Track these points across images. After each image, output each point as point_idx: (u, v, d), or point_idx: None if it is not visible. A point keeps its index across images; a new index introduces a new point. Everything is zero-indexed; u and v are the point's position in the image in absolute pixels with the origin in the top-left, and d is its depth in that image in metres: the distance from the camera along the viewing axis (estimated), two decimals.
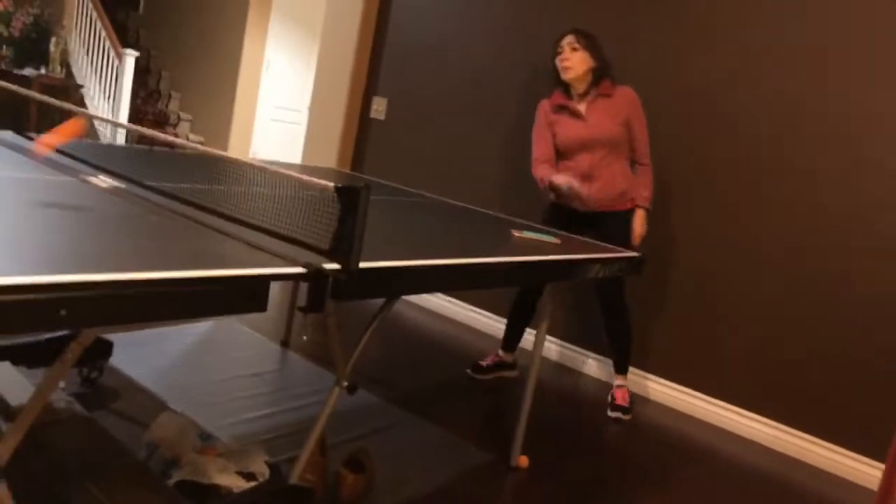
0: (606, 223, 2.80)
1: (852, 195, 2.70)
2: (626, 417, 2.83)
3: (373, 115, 4.20)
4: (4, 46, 6.27)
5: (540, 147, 2.85)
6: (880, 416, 2.63)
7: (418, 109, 3.99)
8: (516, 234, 2.16)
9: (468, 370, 3.01)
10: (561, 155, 2.84)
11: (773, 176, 2.87)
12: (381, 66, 4.16)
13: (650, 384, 3.17)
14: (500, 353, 3.06)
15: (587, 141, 2.74)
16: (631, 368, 3.20)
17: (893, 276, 2.61)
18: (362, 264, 1.23)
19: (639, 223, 2.81)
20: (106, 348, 2.16)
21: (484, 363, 3.00)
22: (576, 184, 2.65)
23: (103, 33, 6.30)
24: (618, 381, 2.94)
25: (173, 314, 0.94)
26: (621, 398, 2.87)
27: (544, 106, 2.86)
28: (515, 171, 3.61)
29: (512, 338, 3.04)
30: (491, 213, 2.71)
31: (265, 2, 6.72)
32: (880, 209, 2.64)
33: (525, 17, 3.56)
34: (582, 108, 2.76)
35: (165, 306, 0.92)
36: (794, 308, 2.82)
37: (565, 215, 2.87)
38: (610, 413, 2.84)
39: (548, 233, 2.34)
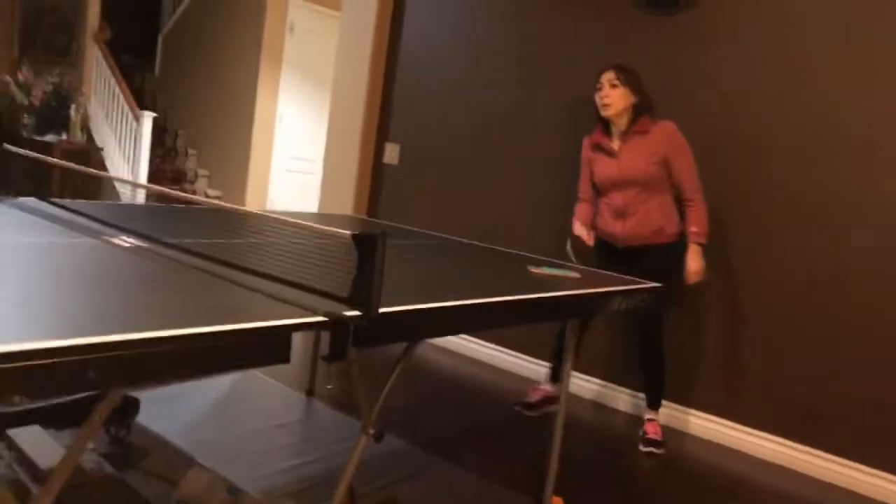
0: (642, 257, 2.78)
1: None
2: (660, 451, 2.77)
3: (386, 160, 4.26)
4: (26, 115, 6.46)
5: (580, 185, 2.94)
6: None
7: (430, 153, 4.04)
8: (534, 270, 2.15)
9: (516, 406, 2.99)
10: (598, 192, 2.87)
11: (818, 200, 2.83)
12: (392, 112, 4.23)
13: (685, 417, 3.11)
14: (546, 386, 3.04)
15: (618, 180, 2.74)
16: (666, 402, 3.14)
17: None
18: (382, 309, 1.23)
19: (691, 259, 2.71)
20: (133, 406, 2.17)
21: (532, 400, 2.98)
22: (576, 245, 2.72)
23: (121, 97, 6.48)
24: (649, 415, 2.89)
25: (199, 371, 0.94)
26: (653, 432, 2.81)
27: (585, 143, 2.89)
28: (532, 208, 3.62)
29: (556, 371, 3.04)
30: (508, 250, 2.71)
31: (276, 58, 6.90)
32: None
33: (533, 59, 3.62)
34: (616, 146, 2.75)
35: (191, 363, 0.93)
36: (831, 333, 2.77)
37: (607, 251, 2.87)
38: (642, 448, 2.78)
39: (565, 268, 2.33)
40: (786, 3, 2.86)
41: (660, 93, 3.13)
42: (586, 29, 3.42)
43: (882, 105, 2.65)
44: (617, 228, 2.78)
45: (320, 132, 7.40)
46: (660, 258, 2.75)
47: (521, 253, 2.71)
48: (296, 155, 7.32)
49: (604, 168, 2.78)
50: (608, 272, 2.47)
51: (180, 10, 7.71)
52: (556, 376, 3.04)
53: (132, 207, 2.28)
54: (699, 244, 2.71)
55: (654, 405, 2.88)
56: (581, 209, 2.93)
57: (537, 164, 3.59)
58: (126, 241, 1.58)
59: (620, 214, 2.76)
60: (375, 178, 4.32)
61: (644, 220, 2.73)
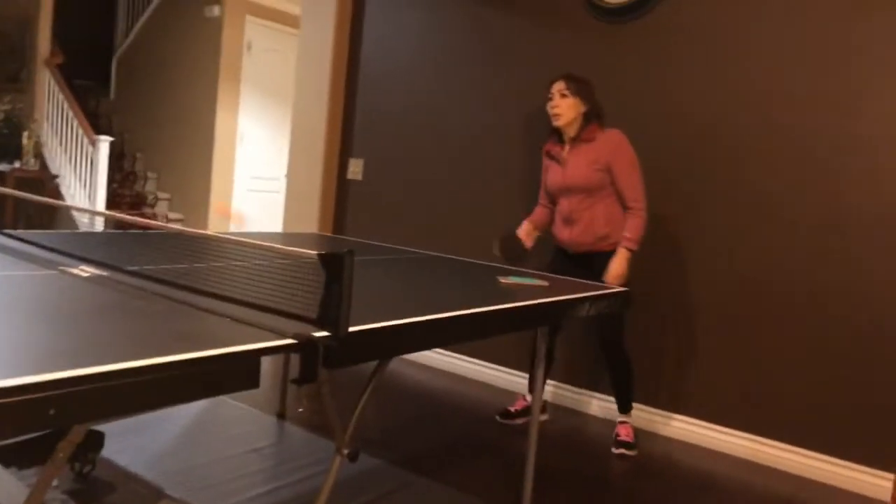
0: (593, 263, 2.81)
1: (866, 220, 2.75)
2: (631, 453, 2.79)
3: (350, 176, 4.24)
4: None
5: (540, 191, 3.01)
6: (891, 428, 2.62)
7: (395, 166, 4.04)
8: (503, 280, 2.16)
9: (497, 416, 3.00)
10: (551, 198, 2.93)
11: (775, 202, 2.90)
12: (355, 127, 4.22)
13: (652, 417, 3.14)
14: (527, 397, 3.05)
15: (562, 187, 2.79)
16: (635, 403, 3.17)
17: None
18: (352, 328, 1.22)
19: (616, 263, 2.70)
20: (97, 440, 2.11)
21: (513, 408, 2.99)
22: (504, 243, 2.76)
23: (75, 122, 6.35)
24: (621, 418, 2.91)
25: (166, 400, 0.92)
26: (625, 434, 2.84)
27: (544, 150, 2.95)
28: (498, 218, 3.63)
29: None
30: (476, 261, 2.72)
31: (234, 76, 6.84)
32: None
33: (495, 70, 3.65)
34: (565, 153, 2.80)
35: (157, 393, 0.91)
36: (797, 328, 2.83)
37: (562, 257, 2.92)
38: (614, 450, 2.80)
39: (533, 276, 2.34)
40: (739, 8, 2.93)
41: (617, 100, 3.18)
42: (545, 39, 3.46)
43: (845, 108, 2.73)
44: (565, 234, 2.84)
45: (282, 150, 7.35)
46: (607, 264, 2.75)
47: (490, 264, 2.71)
48: (258, 174, 7.25)
49: (552, 175, 2.85)
50: (571, 279, 2.49)
51: (134, 32, 7.60)
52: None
53: (90, 236, 2.22)
54: (628, 249, 2.71)
55: (624, 409, 2.91)
56: (536, 212, 3.01)
57: (502, 174, 3.61)
58: (85, 270, 1.54)
59: (567, 221, 2.81)
60: (340, 195, 4.30)
61: (589, 226, 2.76)
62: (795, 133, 2.81)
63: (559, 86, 2.75)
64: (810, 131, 2.78)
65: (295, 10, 7.21)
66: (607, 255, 2.77)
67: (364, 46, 4.17)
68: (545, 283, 2.18)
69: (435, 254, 2.85)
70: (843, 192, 2.71)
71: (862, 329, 2.67)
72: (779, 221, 2.84)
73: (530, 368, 3.05)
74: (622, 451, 2.78)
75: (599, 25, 3.28)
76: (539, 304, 1.82)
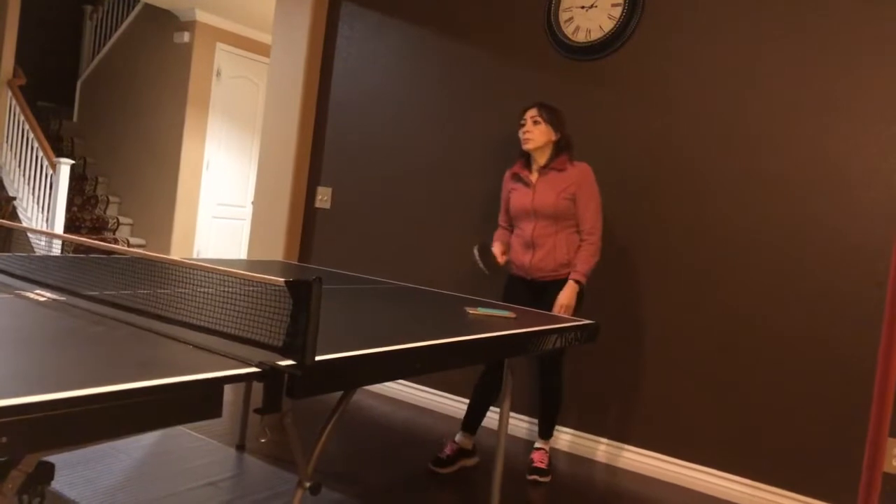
0: (547, 291, 2.82)
1: (823, 255, 2.82)
2: (545, 479, 2.80)
3: (318, 204, 4.22)
4: None
5: (500, 213, 3.04)
6: (847, 462, 2.66)
7: (363, 196, 4.04)
8: (471, 311, 2.16)
9: (430, 464, 2.82)
10: (512, 221, 2.96)
11: (738, 233, 2.96)
12: (324, 156, 4.22)
13: (619, 452, 3.14)
14: (458, 438, 2.90)
15: (530, 210, 2.82)
16: (599, 437, 3.17)
17: (866, 335, 2.71)
18: (317, 357, 1.21)
19: (564, 294, 2.73)
20: (47, 471, 2.02)
21: (443, 455, 2.84)
22: (483, 252, 2.74)
23: (36, 144, 6.23)
24: (539, 444, 2.96)
25: (125, 430, 0.89)
26: (538, 460, 2.87)
27: (506, 175, 2.99)
28: (466, 249, 3.64)
29: (473, 419, 2.90)
30: (443, 292, 2.71)
31: (203, 102, 6.80)
32: (856, 267, 2.76)
33: (466, 102, 3.70)
34: (534, 178, 2.85)
35: (115, 422, 0.88)
36: (756, 362, 2.87)
37: (519, 284, 2.92)
38: (528, 476, 2.81)
39: (501, 308, 2.35)
40: (707, 48, 3.04)
41: (585, 135, 3.24)
42: (513, 72, 3.52)
43: (815, 145, 2.83)
44: (526, 259, 2.85)
45: (249, 177, 7.30)
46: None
47: (457, 294, 2.71)
48: (223, 201, 7.18)
49: (519, 197, 2.87)
50: (537, 310, 2.50)
51: (101, 55, 7.53)
52: (470, 426, 2.89)
53: (48, 259, 2.17)
54: (576, 281, 2.75)
55: (545, 435, 2.96)
56: (499, 233, 3.03)
57: (471, 205, 3.64)
58: (42, 294, 1.49)
59: (529, 245, 2.84)
60: (307, 223, 4.27)
61: (551, 252, 2.80)
62: (763, 168, 2.89)
63: (532, 112, 2.82)
64: (779, 167, 2.86)
65: (265, 38, 7.23)
66: (562, 284, 2.78)
67: (334, 76, 4.19)
68: (512, 315, 2.19)
69: (402, 284, 2.84)
70: (811, 228, 2.79)
71: (833, 363, 2.72)
72: (745, 255, 2.91)
73: (473, 397, 2.95)
74: (535, 477, 2.80)
75: (567, 63, 3.36)
76: (506, 335, 1.83)
